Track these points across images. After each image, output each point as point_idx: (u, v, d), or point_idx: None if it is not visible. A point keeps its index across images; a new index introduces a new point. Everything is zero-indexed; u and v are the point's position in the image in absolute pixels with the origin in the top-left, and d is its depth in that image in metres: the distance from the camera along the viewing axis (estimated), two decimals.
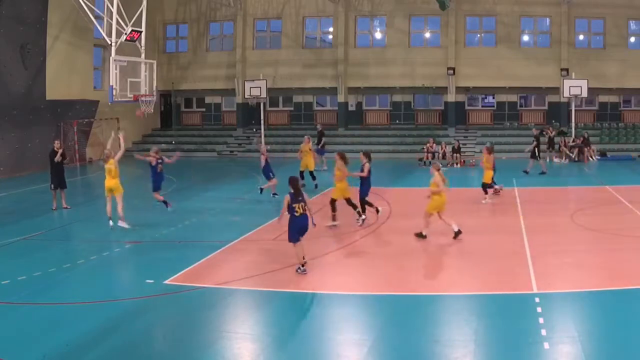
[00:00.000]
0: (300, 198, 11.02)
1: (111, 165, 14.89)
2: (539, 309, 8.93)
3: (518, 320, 8.64)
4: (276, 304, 9.87)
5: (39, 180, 18.85)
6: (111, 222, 14.88)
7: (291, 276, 11.10)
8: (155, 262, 12.37)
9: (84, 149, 30.91)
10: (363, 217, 15.14)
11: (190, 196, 20.63)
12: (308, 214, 11.14)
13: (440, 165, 14.10)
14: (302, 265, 11.13)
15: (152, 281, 10.83)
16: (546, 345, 7.72)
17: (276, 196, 18.52)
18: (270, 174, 18.98)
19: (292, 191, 11.08)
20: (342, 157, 15.19)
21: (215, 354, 7.97)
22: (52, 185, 17.88)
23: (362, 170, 14.98)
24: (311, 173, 20.97)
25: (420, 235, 13.49)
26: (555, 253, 12.03)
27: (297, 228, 11.05)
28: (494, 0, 32.85)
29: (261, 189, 19.23)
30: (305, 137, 22.06)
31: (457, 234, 13.37)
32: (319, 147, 27.22)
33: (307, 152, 21.24)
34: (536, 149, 24.13)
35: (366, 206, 15.16)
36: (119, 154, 15.28)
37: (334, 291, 10.33)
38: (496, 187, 18.75)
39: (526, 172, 23.85)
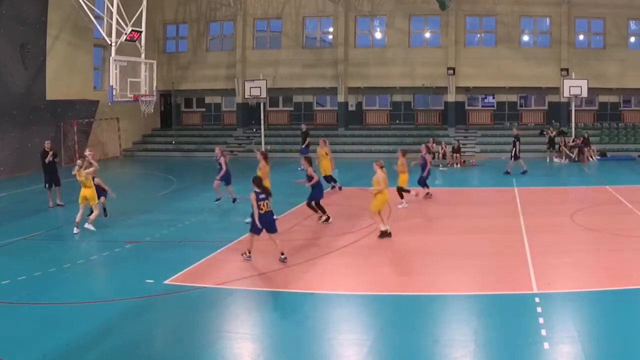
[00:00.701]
0: (263, 196, 11.66)
1: (80, 177, 14.71)
2: (539, 309, 8.94)
3: (518, 320, 8.65)
4: (276, 304, 9.88)
5: (38, 180, 18.89)
6: (76, 229, 14.56)
7: (291, 276, 11.11)
8: (155, 262, 12.38)
9: (84, 149, 30.82)
10: (325, 217, 15.30)
11: (190, 196, 20.62)
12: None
13: (383, 163, 14.06)
14: (249, 252, 11.92)
15: (152, 281, 10.83)
16: (546, 345, 7.73)
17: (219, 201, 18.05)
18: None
19: (257, 190, 11.70)
20: (264, 157, 15.69)
21: (215, 354, 7.98)
22: (47, 185, 18.30)
23: (308, 177, 15.06)
24: (330, 177, 20.20)
25: (384, 234, 13.55)
26: (555, 253, 12.03)
27: (261, 223, 11.68)
28: (494, 0, 32.84)
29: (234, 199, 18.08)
30: (321, 140, 21.21)
31: (384, 234, 13.58)
32: (304, 147, 27.07)
33: (324, 156, 20.21)
34: (514, 149, 24.13)
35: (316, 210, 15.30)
36: (91, 169, 14.92)
37: (333, 291, 10.33)
38: (427, 190, 18.72)
39: (524, 172, 23.87)
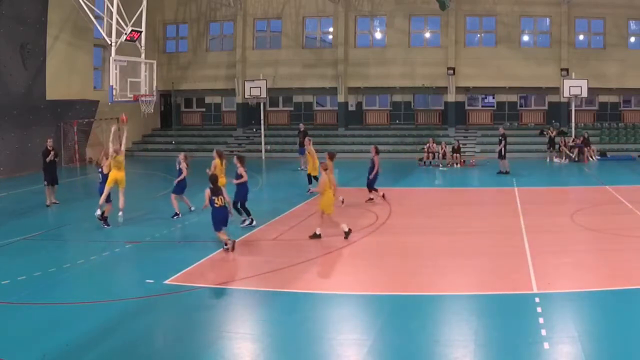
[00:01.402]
0: (218, 192, 12.55)
1: (121, 158, 15.30)
2: (539, 309, 8.93)
3: (518, 320, 8.64)
4: (276, 304, 9.86)
5: (39, 180, 18.92)
6: (99, 211, 15.03)
7: (291, 276, 11.11)
8: (155, 262, 12.38)
9: (84, 149, 30.92)
10: (249, 220, 15.04)
11: (190, 196, 20.50)
12: (228, 206, 13.07)
13: (327, 165, 14.06)
14: (226, 244, 12.51)
15: (152, 281, 10.82)
16: (546, 345, 7.72)
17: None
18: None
19: (211, 186, 12.61)
20: (219, 155, 15.76)
21: (215, 354, 7.97)
22: (46, 182, 18.46)
23: (238, 175, 14.86)
24: (314, 177, 19.61)
25: (347, 234, 13.44)
26: (555, 253, 12.03)
27: (219, 218, 12.60)
28: (494, 0, 32.85)
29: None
30: (306, 139, 21.06)
31: (315, 236, 13.44)
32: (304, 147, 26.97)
33: (309, 155, 20.13)
34: (501, 148, 24.17)
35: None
36: (123, 147, 15.77)
37: (333, 291, 10.33)
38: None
39: (502, 172, 23.98)
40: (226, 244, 12.58)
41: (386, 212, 16.51)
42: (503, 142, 24.25)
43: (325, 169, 13.84)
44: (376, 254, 12.63)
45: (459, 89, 33.58)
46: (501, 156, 24.21)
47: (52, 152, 18.48)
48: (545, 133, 30.43)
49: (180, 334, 8.62)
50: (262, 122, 32.11)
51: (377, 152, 18.13)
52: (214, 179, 12.76)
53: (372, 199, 17.99)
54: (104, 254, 12.87)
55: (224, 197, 12.64)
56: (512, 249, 12.53)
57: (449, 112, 33.77)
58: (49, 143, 18.83)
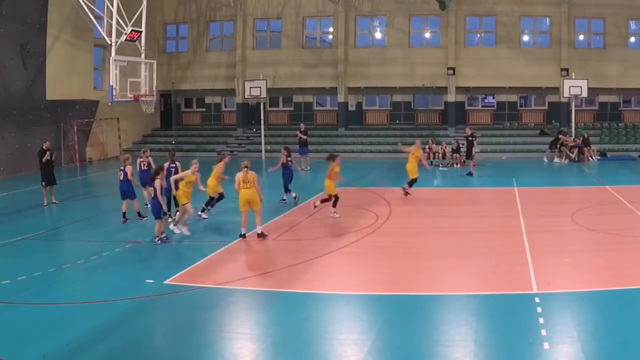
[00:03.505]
0: (150, 184, 13.93)
1: (193, 178, 14.67)
2: (539, 309, 8.94)
3: (518, 320, 8.64)
4: (276, 304, 9.87)
5: (38, 180, 18.94)
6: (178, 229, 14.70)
7: (291, 276, 11.11)
8: (155, 262, 12.38)
9: (84, 149, 30.93)
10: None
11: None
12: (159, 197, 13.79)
13: (248, 163, 14.15)
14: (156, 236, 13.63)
15: (152, 281, 10.83)
16: (546, 345, 7.73)
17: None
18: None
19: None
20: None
21: (215, 354, 7.98)
22: (43, 183, 18.54)
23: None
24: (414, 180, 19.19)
25: (241, 235, 13.77)
26: (555, 253, 12.03)
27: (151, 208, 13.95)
28: (494, 0, 32.84)
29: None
30: (417, 141, 20.30)
31: (241, 235, 13.69)
32: (305, 147, 26.99)
33: (417, 158, 19.20)
34: (472, 149, 24.25)
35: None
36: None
37: (334, 291, 10.33)
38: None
39: (470, 174, 24.10)
40: (157, 236, 13.57)
41: (386, 212, 16.51)
42: (467, 143, 24.32)
43: (245, 167, 13.86)
44: (376, 254, 12.63)
45: (459, 89, 33.56)
46: (470, 156, 24.21)
47: (47, 153, 18.47)
48: (549, 132, 30.36)
49: (180, 334, 8.63)
50: (262, 122, 32.09)
51: (289, 154, 18.02)
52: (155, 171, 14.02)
53: (296, 197, 17.98)
54: (104, 254, 12.87)
55: (154, 190, 13.65)
56: (512, 249, 12.53)
57: (449, 112, 33.75)
58: (46, 144, 18.81)
